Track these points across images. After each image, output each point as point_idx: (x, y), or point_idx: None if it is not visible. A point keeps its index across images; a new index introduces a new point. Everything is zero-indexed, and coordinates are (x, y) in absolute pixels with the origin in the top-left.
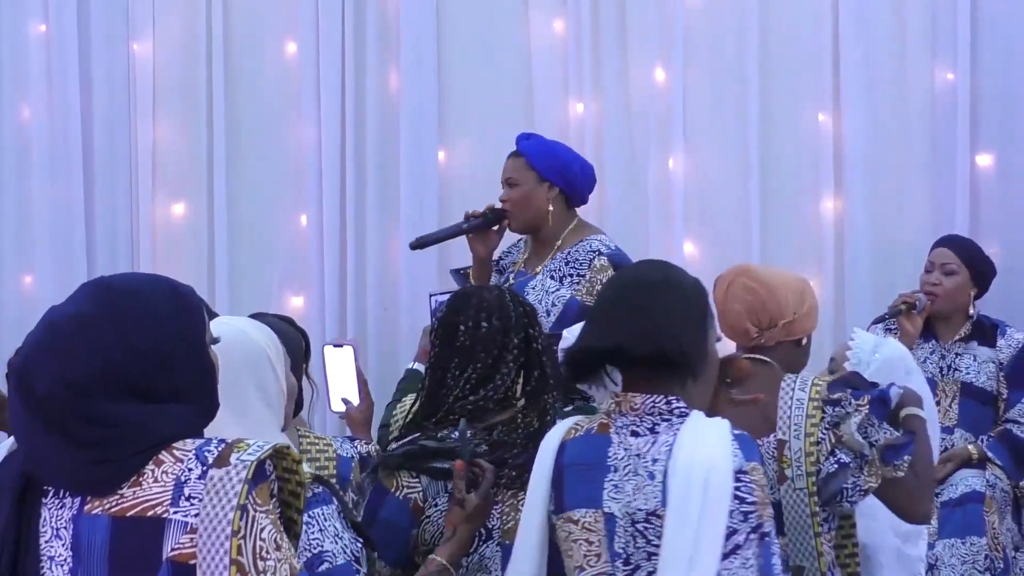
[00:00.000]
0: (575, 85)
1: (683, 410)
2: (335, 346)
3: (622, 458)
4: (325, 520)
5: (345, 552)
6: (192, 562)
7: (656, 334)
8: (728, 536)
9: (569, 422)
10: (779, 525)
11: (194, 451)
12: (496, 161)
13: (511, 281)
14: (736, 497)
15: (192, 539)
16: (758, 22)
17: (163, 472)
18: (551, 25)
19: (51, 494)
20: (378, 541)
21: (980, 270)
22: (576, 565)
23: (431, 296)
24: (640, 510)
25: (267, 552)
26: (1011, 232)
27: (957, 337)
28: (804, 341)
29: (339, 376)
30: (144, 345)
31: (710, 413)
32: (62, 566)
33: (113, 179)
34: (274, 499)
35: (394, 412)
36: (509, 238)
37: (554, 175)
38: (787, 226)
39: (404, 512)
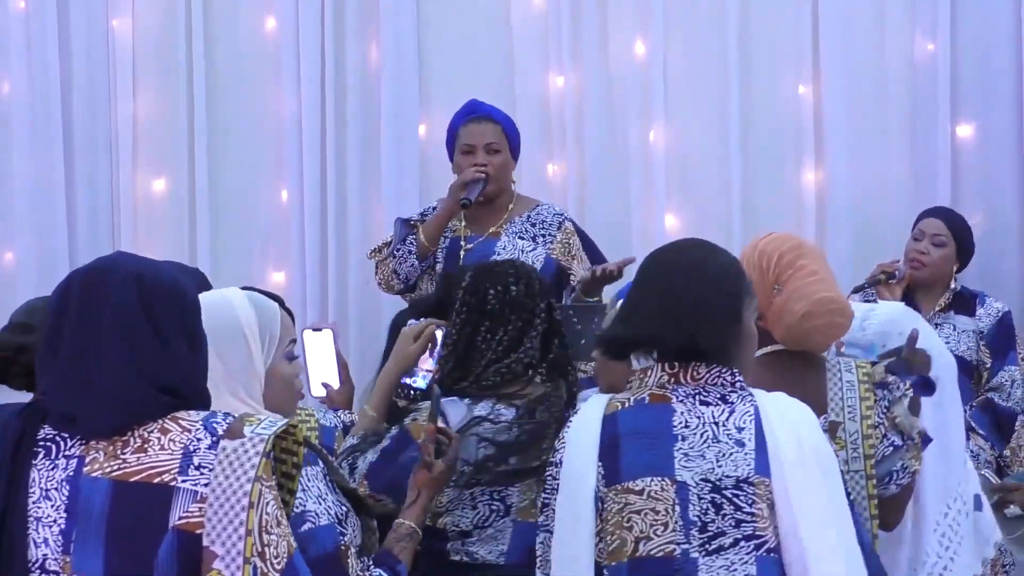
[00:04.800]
0: (555, 58)
1: (742, 383)
2: (314, 330)
3: (695, 426)
4: (309, 480)
5: (329, 513)
6: (199, 531)
7: (696, 329)
8: None
9: (602, 397)
10: None
11: (201, 422)
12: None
13: (465, 246)
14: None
15: (201, 508)
16: None
17: (170, 440)
18: None
19: (41, 455)
20: (395, 479)
21: (966, 245)
22: (638, 536)
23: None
24: (729, 476)
25: (271, 526)
26: (992, 202)
27: (936, 308)
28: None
29: (319, 360)
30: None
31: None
32: (50, 527)
33: (93, 154)
34: (274, 477)
35: None
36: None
37: (518, 149)
38: (768, 197)
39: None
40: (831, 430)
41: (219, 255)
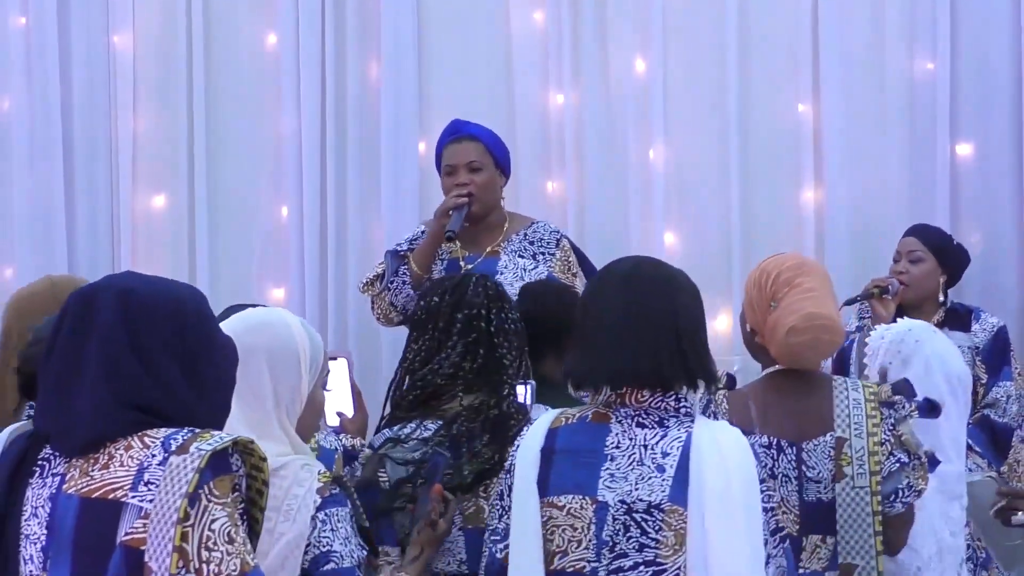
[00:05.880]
0: (555, 76)
1: (689, 410)
2: (330, 358)
3: (625, 448)
4: (338, 521)
5: (352, 556)
6: (143, 548)
7: (677, 360)
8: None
9: (556, 411)
10: (830, 523)
11: (162, 439)
12: None
13: (464, 266)
14: (763, 508)
15: (145, 524)
16: (737, 11)
17: (129, 457)
18: (531, 16)
19: (37, 474)
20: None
21: (947, 256)
22: (555, 550)
23: None
24: (642, 500)
25: (215, 543)
26: (991, 221)
27: None
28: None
29: (334, 388)
30: (208, 342)
31: None
32: (35, 544)
33: (93, 171)
34: (237, 494)
35: None
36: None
37: (506, 165)
38: (767, 216)
39: None
40: (837, 446)
41: (218, 270)
